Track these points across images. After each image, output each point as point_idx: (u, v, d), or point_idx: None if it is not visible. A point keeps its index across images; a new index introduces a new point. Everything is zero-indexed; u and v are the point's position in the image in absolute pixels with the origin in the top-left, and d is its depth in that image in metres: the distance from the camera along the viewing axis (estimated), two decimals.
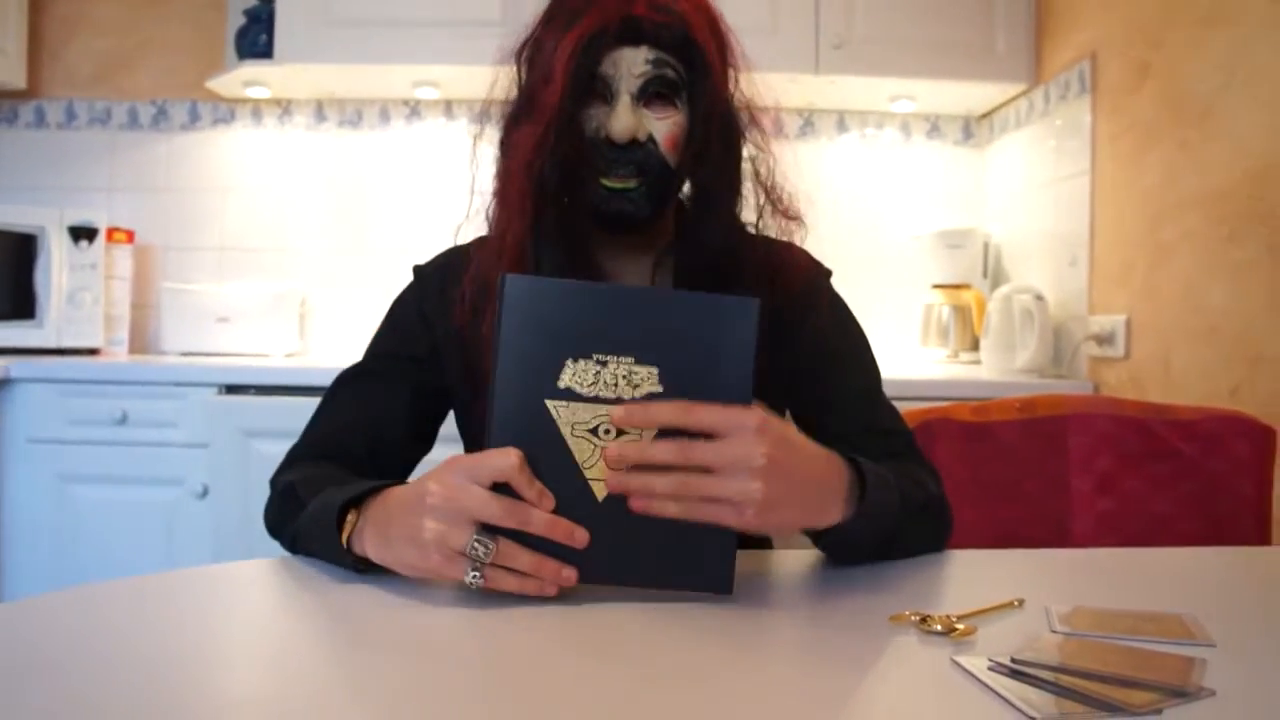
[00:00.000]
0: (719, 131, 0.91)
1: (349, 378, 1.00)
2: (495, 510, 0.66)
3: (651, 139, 0.89)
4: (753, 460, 0.65)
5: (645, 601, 0.69)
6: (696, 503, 0.67)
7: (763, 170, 0.95)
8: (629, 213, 0.90)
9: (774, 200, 0.94)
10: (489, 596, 0.68)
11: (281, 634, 0.64)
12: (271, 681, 0.54)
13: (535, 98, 0.89)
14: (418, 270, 1.03)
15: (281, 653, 0.59)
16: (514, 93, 0.95)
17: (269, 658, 0.59)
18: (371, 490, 0.76)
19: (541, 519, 0.67)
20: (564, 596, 0.69)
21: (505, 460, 0.67)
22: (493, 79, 0.96)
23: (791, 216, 0.95)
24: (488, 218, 0.95)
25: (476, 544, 0.66)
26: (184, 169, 2.64)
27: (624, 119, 0.87)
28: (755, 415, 0.66)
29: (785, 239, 0.97)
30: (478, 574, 0.66)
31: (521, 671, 0.56)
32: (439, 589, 0.71)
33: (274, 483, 0.91)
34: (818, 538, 0.79)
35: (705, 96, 0.90)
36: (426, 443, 1.02)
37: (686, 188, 0.97)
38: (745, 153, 0.94)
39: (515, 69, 0.95)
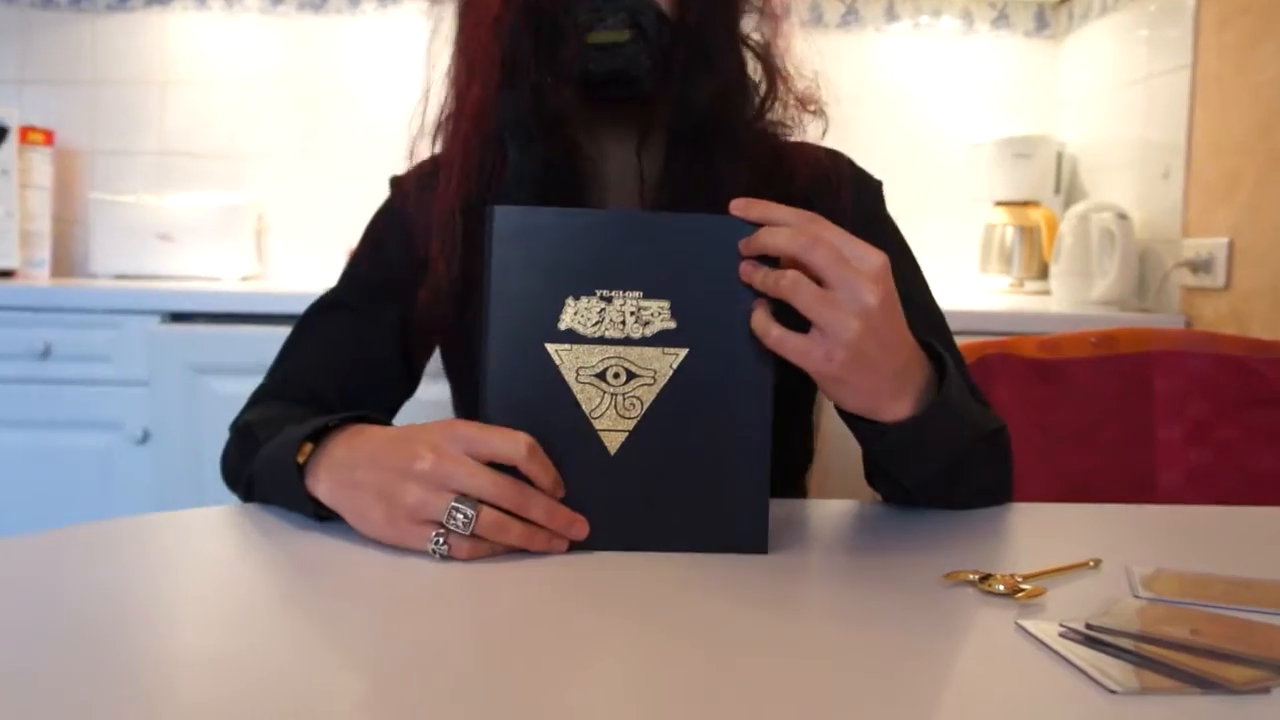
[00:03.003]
0: None
1: (321, 309, 0.99)
2: (489, 488, 0.66)
3: None
4: (862, 292, 0.67)
5: (660, 552, 0.70)
6: (783, 331, 0.68)
7: (775, 55, 0.93)
8: (621, 70, 0.87)
9: (786, 87, 0.93)
10: None
11: (240, 589, 0.64)
12: (229, 642, 0.54)
13: None
14: (395, 182, 1.03)
15: (241, 609, 0.60)
16: None
17: (226, 615, 0.59)
18: (339, 424, 0.76)
19: (542, 505, 0.68)
20: (573, 546, 0.70)
21: (513, 445, 0.67)
22: None
23: (808, 108, 0.94)
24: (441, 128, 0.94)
25: (455, 510, 0.65)
26: (113, 58, 2.61)
27: None
28: (883, 255, 0.69)
29: (799, 138, 0.97)
30: (441, 540, 0.66)
31: (519, 630, 0.56)
32: None
33: (232, 426, 0.91)
34: (876, 441, 0.78)
35: None
36: (411, 384, 1.02)
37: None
38: (751, 36, 0.93)
39: None
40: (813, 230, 0.68)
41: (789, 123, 0.95)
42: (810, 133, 0.97)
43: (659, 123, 0.93)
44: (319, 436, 0.75)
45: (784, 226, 0.68)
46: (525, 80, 0.87)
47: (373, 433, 0.73)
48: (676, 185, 0.89)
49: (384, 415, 0.97)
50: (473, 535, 0.66)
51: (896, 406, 0.74)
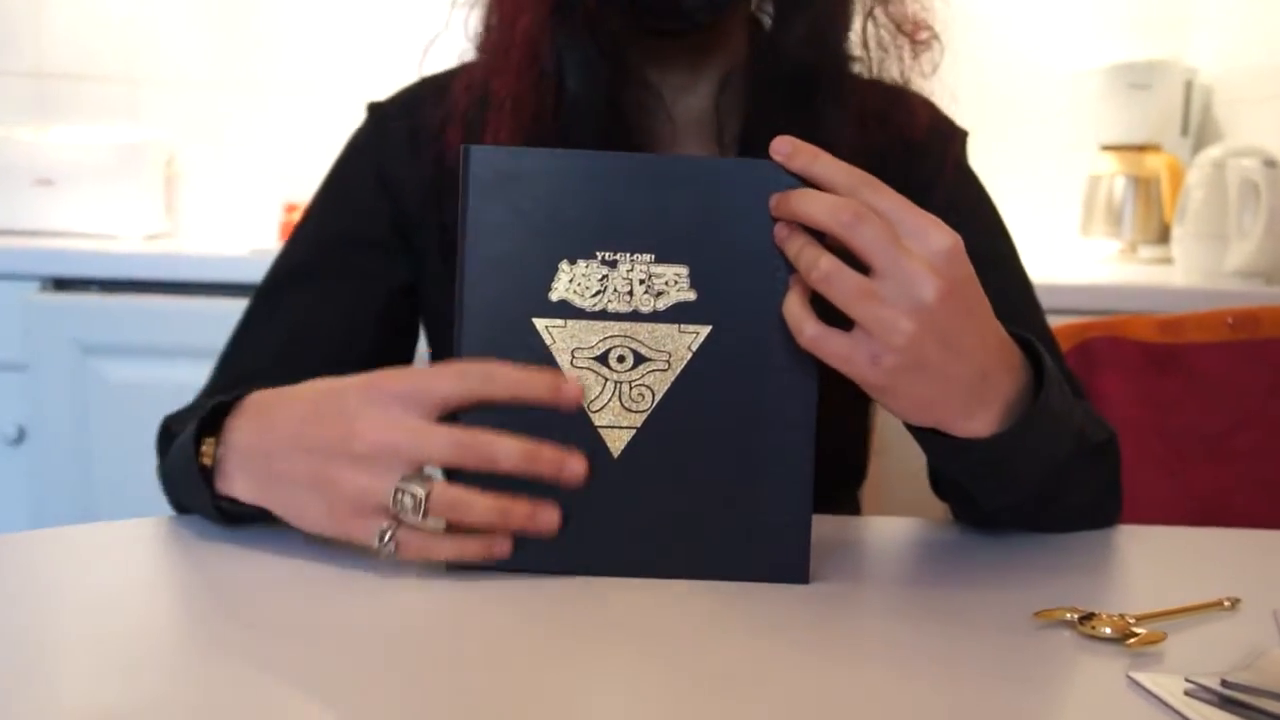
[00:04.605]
0: None
1: (277, 285, 1.00)
2: (444, 448, 0.67)
3: None
4: (918, 285, 0.65)
5: (681, 581, 0.70)
6: (821, 328, 0.67)
7: None
8: (675, 4, 0.89)
9: (892, 17, 0.97)
10: (456, 568, 0.70)
11: (143, 625, 0.64)
12: (127, 694, 0.54)
13: None
14: (375, 109, 1.05)
15: (144, 652, 0.60)
16: None
17: (125, 659, 0.59)
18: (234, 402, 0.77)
19: (512, 449, 0.67)
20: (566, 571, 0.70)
21: (459, 382, 0.68)
22: None
23: (919, 42, 0.97)
24: (475, 37, 0.98)
25: (401, 491, 0.67)
26: None
27: None
28: (953, 235, 0.68)
29: (903, 82, 1.00)
30: (389, 536, 0.67)
31: (505, 676, 0.56)
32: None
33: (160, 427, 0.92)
34: (949, 459, 0.78)
35: None
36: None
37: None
38: None
39: None
40: (861, 200, 0.66)
41: (900, 73, 0.99)
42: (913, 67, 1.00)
43: (741, 64, 0.98)
44: (218, 424, 0.76)
45: (827, 191, 0.67)
46: (580, 3, 0.90)
47: (281, 405, 0.74)
48: (761, 138, 0.91)
49: None
50: (426, 519, 0.67)
51: (972, 422, 0.73)
